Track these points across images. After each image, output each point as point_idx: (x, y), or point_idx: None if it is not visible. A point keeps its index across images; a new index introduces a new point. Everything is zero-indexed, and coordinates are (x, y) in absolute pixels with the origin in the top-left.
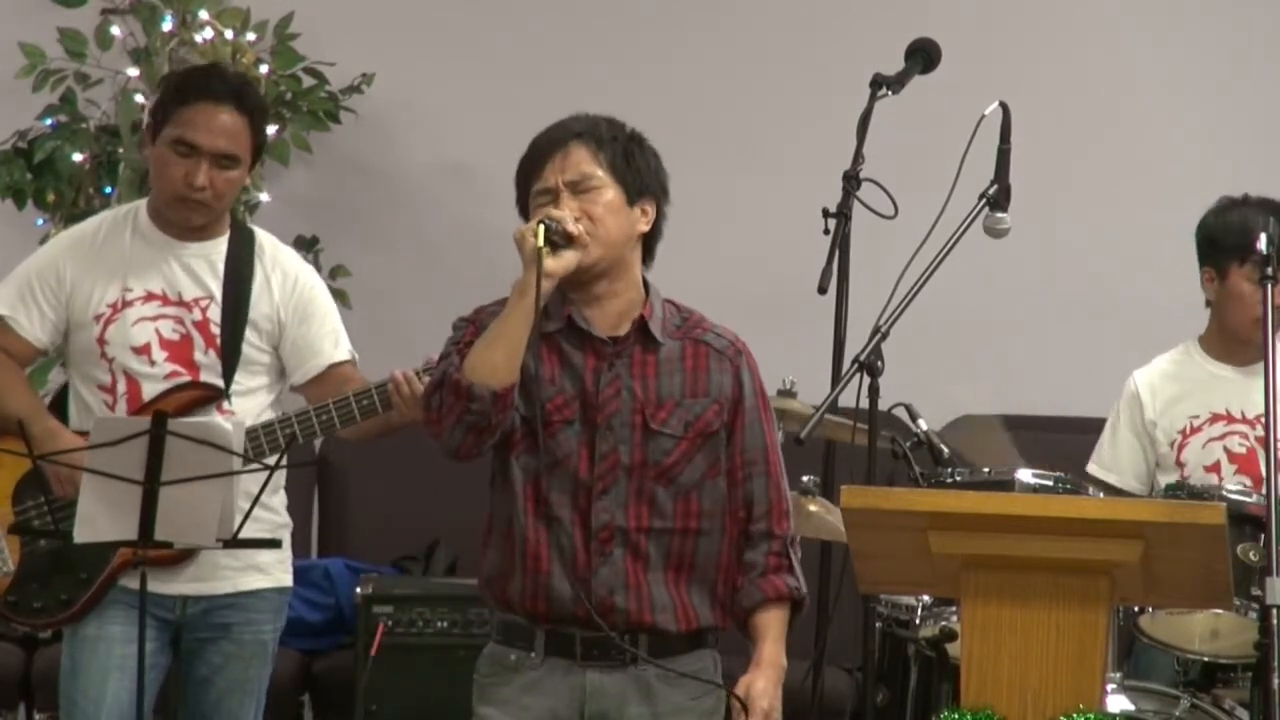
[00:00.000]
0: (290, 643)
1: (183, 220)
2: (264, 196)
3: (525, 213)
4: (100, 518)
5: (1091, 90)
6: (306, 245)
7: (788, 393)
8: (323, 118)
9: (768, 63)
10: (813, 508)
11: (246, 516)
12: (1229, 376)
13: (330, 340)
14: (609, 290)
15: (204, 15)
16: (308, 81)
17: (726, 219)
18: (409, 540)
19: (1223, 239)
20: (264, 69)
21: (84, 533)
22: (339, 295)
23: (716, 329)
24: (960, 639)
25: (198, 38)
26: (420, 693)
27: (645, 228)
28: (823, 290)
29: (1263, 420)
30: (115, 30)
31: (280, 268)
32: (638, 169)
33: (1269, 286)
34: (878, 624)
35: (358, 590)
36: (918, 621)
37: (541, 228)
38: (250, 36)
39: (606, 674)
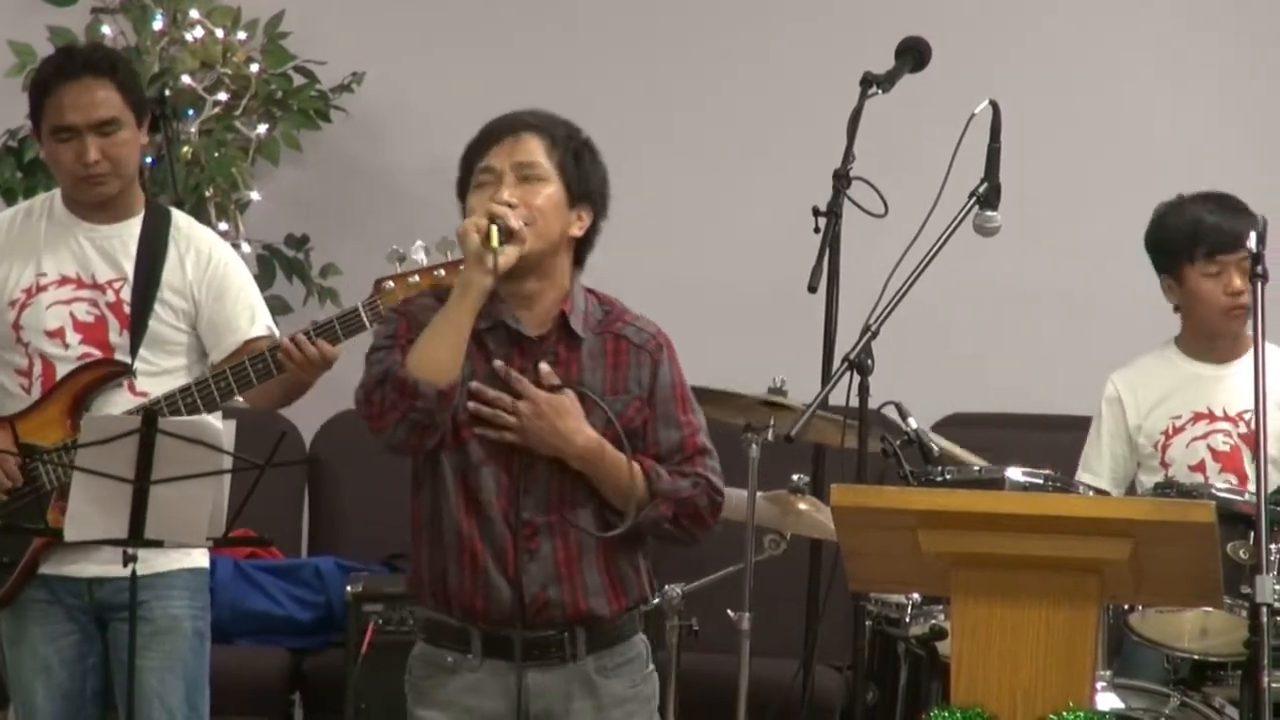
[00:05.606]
0: (280, 641)
1: (95, 198)
2: (254, 195)
3: (465, 193)
4: (91, 517)
5: (1082, 89)
6: (297, 244)
7: (778, 391)
8: (313, 116)
9: (758, 61)
10: (802, 506)
11: (238, 514)
12: (1209, 374)
13: (246, 316)
14: (538, 289)
15: (194, 14)
16: (298, 80)
17: (716, 217)
18: (399, 538)
19: (1167, 243)
20: (254, 67)
21: (74, 531)
22: (329, 294)
23: (637, 322)
24: (950, 637)
25: (188, 36)
26: None
27: (578, 233)
28: (813, 289)
29: (1244, 416)
30: (106, 29)
31: (194, 246)
32: (585, 173)
33: (1258, 284)
34: (868, 622)
35: (348, 589)
36: (908, 620)
37: (495, 228)
38: (241, 35)
39: (546, 672)
